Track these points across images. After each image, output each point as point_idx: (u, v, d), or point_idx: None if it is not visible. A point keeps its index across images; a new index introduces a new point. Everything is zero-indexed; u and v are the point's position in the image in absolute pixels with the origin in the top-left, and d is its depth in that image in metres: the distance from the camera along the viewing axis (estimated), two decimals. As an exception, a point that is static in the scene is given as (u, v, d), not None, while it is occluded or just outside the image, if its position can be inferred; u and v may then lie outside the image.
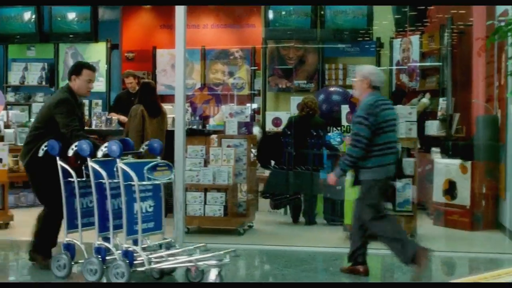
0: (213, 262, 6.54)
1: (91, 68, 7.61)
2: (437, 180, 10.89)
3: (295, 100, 12.08)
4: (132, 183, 6.72)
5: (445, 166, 10.80)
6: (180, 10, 8.99)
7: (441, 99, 12.56)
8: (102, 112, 12.93)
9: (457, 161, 10.59)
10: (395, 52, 14.30)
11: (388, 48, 14.44)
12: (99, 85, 15.17)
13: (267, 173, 11.21)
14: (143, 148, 7.43)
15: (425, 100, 12.93)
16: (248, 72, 15.20)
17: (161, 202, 7.12)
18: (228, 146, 9.93)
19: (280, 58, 14.58)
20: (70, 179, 7.03)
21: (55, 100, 7.38)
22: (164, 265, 6.87)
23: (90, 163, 6.83)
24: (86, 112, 14.46)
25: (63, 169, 7.02)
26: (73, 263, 7.09)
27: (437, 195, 10.84)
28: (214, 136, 10.28)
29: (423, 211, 11.41)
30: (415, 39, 13.81)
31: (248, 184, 10.17)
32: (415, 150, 9.68)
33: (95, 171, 6.83)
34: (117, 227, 6.87)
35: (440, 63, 13.09)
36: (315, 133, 10.55)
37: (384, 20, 14.27)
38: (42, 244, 7.49)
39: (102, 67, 15.39)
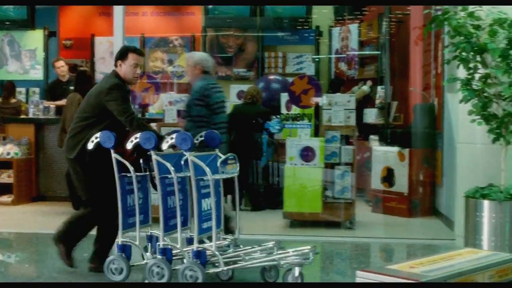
0: (298, 260, 6.08)
1: (138, 52, 6.92)
2: (375, 167, 11.00)
3: (235, 88, 12.09)
4: (205, 177, 6.17)
5: (383, 154, 10.92)
6: (118, -3, 8.92)
7: (379, 87, 12.69)
8: (40, 101, 12.73)
9: (395, 149, 10.71)
10: (334, 41, 14.40)
11: (327, 37, 14.52)
12: (37, 73, 14.99)
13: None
14: (197, 139, 6.90)
15: (365, 87, 13.04)
16: (188, 60, 15.12)
17: (221, 198, 6.50)
18: (168, 135, 9.87)
19: (220, 46, 14.57)
20: (124, 174, 6.41)
21: (106, 86, 6.70)
22: (244, 265, 6.32)
23: (155, 157, 6.21)
24: (24, 101, 14.26)
25: (118, 163, 6.39)
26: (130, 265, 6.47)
27: (376, 183, 10.95)
28: (153, 125, 10.21)
29: (362, 198, 11.53)
30: (353, 27, 13.92)
31: (188, 173, 10.12)
32: (354, 138, 9.76)
33: (160, 165, 6.26)
34: (175, 226, 6.39)
35: (379, 52, 13.22)
36: (256, 121, 10.58)
37: (323, 8, 14.35)
38: (69, 247, 6.86)
39: (39, 55, 15.18)
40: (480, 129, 7.44)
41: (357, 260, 8.00)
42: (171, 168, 6.19)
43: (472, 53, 7.16)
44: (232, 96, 12.26)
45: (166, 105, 10.28)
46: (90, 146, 6.44)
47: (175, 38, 15.24)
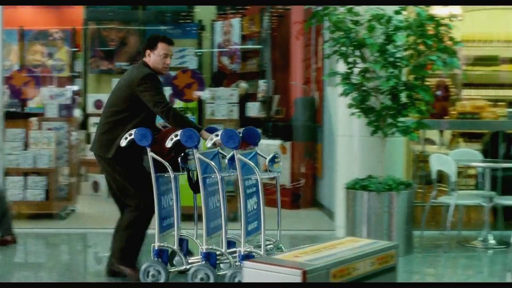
0: None
1: (168, 41, 6.40)
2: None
3: (117, 82, 11.93)
4: (253, 177, 5.92)
5: (266, 147, 11.02)
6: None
7: (261, 81, 12.83)
8: None
9: (277, 142, 10.85)
10: (216, 35, 14.47)
11: (209, 31, 14.58)
12: None
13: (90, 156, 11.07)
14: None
15: (243, 85, 13.15)
16: (68, 54, 14.90)
17: (262, 198, 6.14)
18: (49, 129, 9.73)
19: (102, 40, 14.41)
20: (161, 173, 6.09)
21: (138, 76, 6.21)
22: None
23: (198, 156, 5.89)
24: None
25: (155, 162, 6.04)
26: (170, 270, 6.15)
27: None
28: (34, 119, 10.04)
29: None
30: (236, 22, 14.02)
31: (69, 168, 10.01)
32: (237, 131, 9.83)
33: (203, 164, 5.94)
34: (216, 228, 6.11)
35: (260, 46, 13.36)
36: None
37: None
38: (131, 253, 6.33)
39: None
40: (359, 122, 7.64)
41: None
42: (215, 167, 5.93)
43: (351, 48, 7.36)
44: (114, 90, 12.14)
45: (46, 99, 10.13)
46: (123, 143, 6.03)
47: (55, 31, 14.96)
